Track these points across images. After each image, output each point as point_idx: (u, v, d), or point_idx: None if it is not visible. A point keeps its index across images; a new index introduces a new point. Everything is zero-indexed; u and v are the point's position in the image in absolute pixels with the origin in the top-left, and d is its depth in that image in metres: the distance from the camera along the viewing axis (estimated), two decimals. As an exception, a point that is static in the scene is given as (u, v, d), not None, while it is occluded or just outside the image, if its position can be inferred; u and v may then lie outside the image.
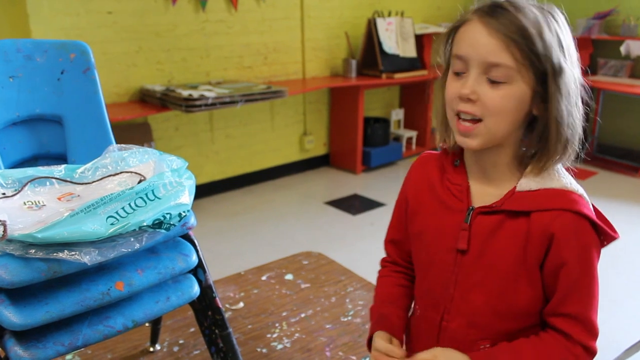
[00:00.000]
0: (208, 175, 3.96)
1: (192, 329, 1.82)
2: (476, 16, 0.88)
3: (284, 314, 1.96)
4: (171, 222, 1.13)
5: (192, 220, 1.25)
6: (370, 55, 4.48)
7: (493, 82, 0.86)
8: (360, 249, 3.21)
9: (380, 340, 1.02)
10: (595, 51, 4.80)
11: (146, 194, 1.13)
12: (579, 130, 0.90)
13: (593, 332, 0.92)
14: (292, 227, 3.50)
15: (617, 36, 4.50)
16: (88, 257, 1.04)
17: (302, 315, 1.95)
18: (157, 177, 1.18)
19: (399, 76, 4.48)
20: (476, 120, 0.88)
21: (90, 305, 1.10)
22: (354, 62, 4.41)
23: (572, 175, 0.95)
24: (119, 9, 3.26)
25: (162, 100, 3.26)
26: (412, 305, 1.11)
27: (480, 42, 0.86)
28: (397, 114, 5.06)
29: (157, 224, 1.11)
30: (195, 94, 3.20)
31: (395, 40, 4.52)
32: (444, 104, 0.96)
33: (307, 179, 4.52)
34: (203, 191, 3.90)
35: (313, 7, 4.23)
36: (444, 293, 0.98)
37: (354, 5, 4.51)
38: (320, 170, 4.70)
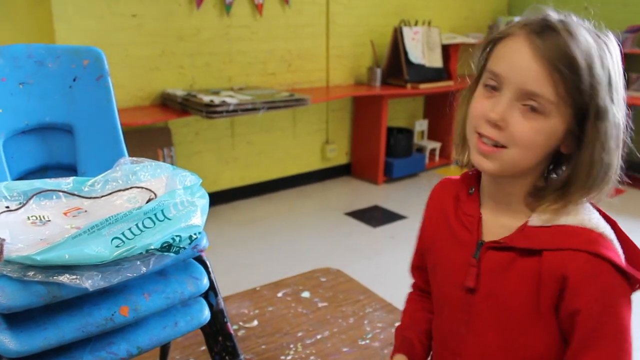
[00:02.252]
0: (227, 181, 3.90)
1: (203, 347, 1.75)
2: (523, 32, 0.77)
3: (300, 334, 1.88)
4: (181, 245, 1.06)
5: (204, 242, 1.18)
6: (395, 65, 4.40)
7: (526, 112, 0.76)
8: (380, 264, 3.12)
9: None
10: (628, 65, 4.66)
11: (155, 214, 1.06)
12: (611, 174, 0.80)
13: None
14: (310, 238, 3.43)
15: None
16: (90, 282, 0.97)
17: (318, 336, 1.87)
18: (167, 196, 1.11)
19: (424, 86, 4.38)
20: (500, 146, 0.79)
21: (92, 331, 1.03)
22: (378, 71, 4.33)
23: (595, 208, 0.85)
24: (144, 12, 3.23)
25: (183, 105, 3.21)
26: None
27: (521, 64, 0.76)
28: (421, 125, 4.97)
29: (166, 247, 1.04)
30: (216, 99, 3.14)
31: (422, 49, 4.43)
32: (465, 117, 0.88)
33: (327, 188, 4.44)
34: (222, 197, 3.85)
35: (339, 14, 4.15)
36: (456, 334, 0.91)
37: (381, 13, 4.43)
38: (341, 179, 4.62)
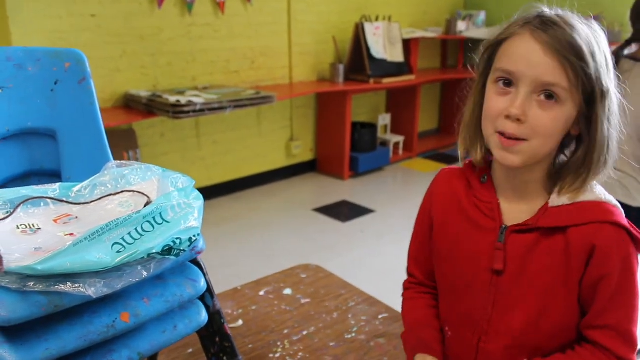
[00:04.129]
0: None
1: (191, 350, 1.73)
2: (527, 31, 0.83)
3: (286, 331, 1.87)
4: (181, 248, 1.05)
5: (202, 244, 1.17)
6: (357, 60, 4.43)
7: (543, 102, 0.82)
8: (353, 258, 3.15)
9: None
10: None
11: (154, 218, 1.04)
12: (615, 148, 0.88)
13: (632, 345, 0.89)
14: (282, 236, 3.43)
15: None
16: (93, 289, 0.95)
17: (304, 332, 1.87)
18: (164, 199, 1.09)
19: (387, 81, 4.43)
20: (521, 139, 0.84)
21: (94, 339, 1.00)
22: (341, 67, 4.35)
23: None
24: (103, 12, 3.16)
25: (148, 106, 3.16)
26: (441, 327, 1.06)
27: (534, 60, 0.81)
28: (384, 119, 5.02)
29: (167, 251, 1.03)
30: (183, 99, 3.10)
31: (383, 44, 4.47)
32: (475, 116, 0.93)
33: (294, 185, 4.44)
34: (189, 199, 3.80)
35: (300, 12, 4.16)
36: (482, 314, 0.95)
37: (342, 10, 4.45)
38: (307, 176, 4.63)
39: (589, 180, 0.88)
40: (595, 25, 0.85)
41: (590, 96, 0.83)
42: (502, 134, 0.85)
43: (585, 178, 0.87)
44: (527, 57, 0.81)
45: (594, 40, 0.82)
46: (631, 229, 0.87)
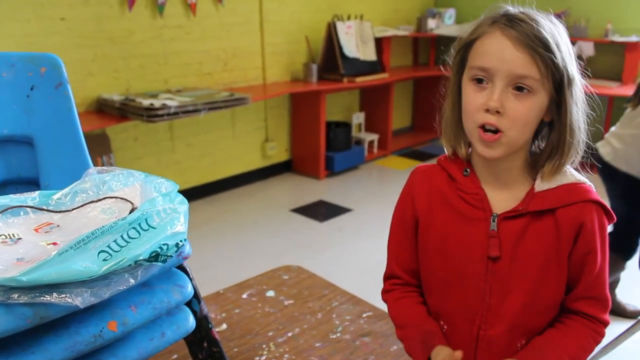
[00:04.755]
0: (169, 186, 3.81)
1: (175, 356, 1.71)
2: (496, 29, 0.89)
3: (270, 333, 1.87)
4: (168, 254, 1.03)
5: (188, 249, 1.15)
6: (330, 59, 4.43)
7: (518, 94, 0.88)
8: (332, 257, 3.14)
9: (448, 350, 0.97)
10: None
11: (140, 224, 1.03)
12: (585, 132, 0.95)
13: (608, 307, 1.00)
14: (260, 237, 3.41)
15: (569, 37, 4.59)
16: (80, 299, 0.93)
17: (289, 334, 1.87)
18: (149, 204, 1.08)
19: (361, 80, 4.44)
20: (498, 131, 0.89)
21: (82, 350, 0.98)
22: (314, 67, 4.34)
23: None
24: (73, 15, 3.09)
25: (122, 110, 3.11)
26: None
27: (506, 55, 0.86)
28: (358, 118, 5.03)
29: (154, 257, 1.01)
30: (156, 103, 3.06)
31: (355, 43, 4.48)
32: (455, 114, 0.98)
33: (270, 186, 4.42)
34: (165, 203, 3.75)
35: (272, 11, 4.14)
36: (480, 303, 0.98)
37: (314, 9, 4.44)
38: (283, 176, 4.61)
39: (566, 163, 0.94)
40: (554, 20, 0.91)
41: (559, 84, 0.89)
42: (482, 127, 0.90)
43: (563, 161, 0.94)
44: (500, 53, 0.87)
45: (557, 32, 0.89)
46: (606, 205, 0.95)
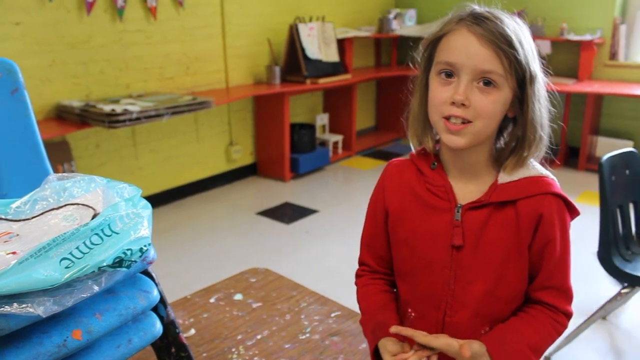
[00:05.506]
0: (133, 192, 3.75)
1: (142, 364, 1.69)
2: (463, 26, 0.92)
3: (239, 337, 1.86)
4: (132, 259, 1.02)
5: (153, 254, 1.14)
6: (293, 61, 4.43)
7: (483, 88, 0.91)
8: (300, 259, 3.15)
9: (393, 343, 1.02)
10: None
11: (102, 230, 1.01)
12: (547, 128, 0.99)
13: (571, 298, 1.03)
14: (227, 241, 3.39)
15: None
16: (42, 308, 0.91)
17: (258, 337, 1.86)
18: (111, 209, 1.06)
19: (324, 81, 4.46)
20: (466, 122, 0.93)
21: (45, 360, 0.97)
22: (277, 69, 4.34)
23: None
24: (28, 19, 3.03)
25: (82, 117, 3.06)
26: (401, 310, 1.11)
27: (472, 51, 0.90)
28: (322, 119, 5.05)
29: (118, 263, 1.00)
30: (118, 108, 3.02)
31: (318, 45, 4.50)
32: (422, 109, 1.01)
33: (235, 189, 4.40)
34: (129, 210, 3.69)
35: (234, 14, 4.12)
36: (445, 290, 1.02)
37: (275, 11, 4.44)
38: (249, 180, 4.60)
39: (528, 157, 0.98)
40: (518, 19, 0.95)
41: (522, 80, 0.92)
42: (447, 118, 0.94)
43: (525, 155, 0.97)
44: (466, 48, 0.91)
45: (520, 31, 0.93)
46: (567, 197, 0.99)
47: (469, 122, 0.92)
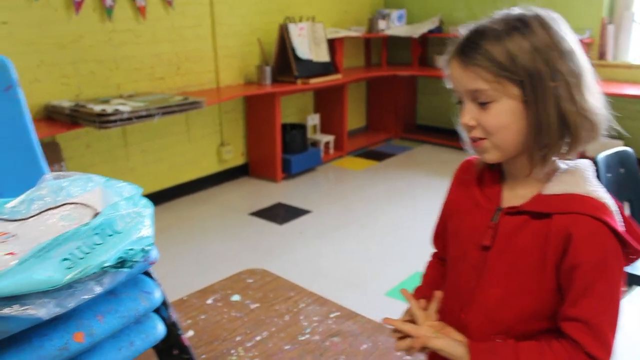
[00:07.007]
0: (124, 194, 3.71)
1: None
2: (452, 55, 0.96)
3: (238, 338, 1.83)
4: (135, 259, 0.99)
5: (155, 254, 1.11)
6: (284, 61, 4.41)
7: (481, 106, 0.93)
8: (294, 259, 3.12)
9: (415, 301, 1.08)
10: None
11: (103, 230, 0.99)
12: (584, 122, 0.92)
13: (604, 344, 0.89)
14: (220, 243, 3.36)
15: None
16: (44, 310, 0.88)
17: (258, 338, 1.84)
18: (112, 209, 1.03)
19: (315, 81, 4.44)
20: (482, 139, 0.96)
21: (47, 364, 0.93)
22: (268, 69, 4.32)
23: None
24: (16, 19, 2.98)
25: (72, 117, 3.01)
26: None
27: (457, 77, 0.94)
28: (313, 119, 5.03)
29: (120, 263, 0.97)
30: (108, 108, 2.98)
31: (308, 45, 4.48)
32: None
33: (227, 190, 4.37)
34: (120, 212, 3.65)
35: (224, 14, 4.09)
36: (466, 286, 1.03)
37: (266, 11, 4.42)
38: (240, 180, 4.56)
39: (549, 156, 0.92)
40: (522, 17, 0.91)
41: (528, 83, 0.88)
42: (473, 140, 0.97)
43: (545, 155, 0.92)
44: (454, 76, 0.95)
45: (507, 35, 0.89)
46: (615, 227, 0.88)
47: (484, 138, 0.95)
